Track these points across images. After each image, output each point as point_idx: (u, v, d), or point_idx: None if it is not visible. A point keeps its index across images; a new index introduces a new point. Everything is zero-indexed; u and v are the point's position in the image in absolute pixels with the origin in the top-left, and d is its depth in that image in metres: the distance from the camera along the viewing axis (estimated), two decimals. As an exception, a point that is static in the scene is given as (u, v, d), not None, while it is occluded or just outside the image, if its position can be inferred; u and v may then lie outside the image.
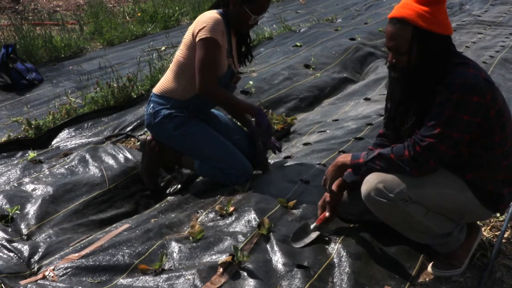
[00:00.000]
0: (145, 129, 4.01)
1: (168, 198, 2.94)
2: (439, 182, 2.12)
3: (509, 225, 2.57)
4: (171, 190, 3.24)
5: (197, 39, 2.78)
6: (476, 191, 2.15)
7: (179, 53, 2.92)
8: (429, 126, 2.06)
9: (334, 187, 2.38)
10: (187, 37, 2.89)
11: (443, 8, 2.09)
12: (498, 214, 2.59)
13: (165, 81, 2.96)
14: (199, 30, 2.77)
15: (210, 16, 2.80)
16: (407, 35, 2.07)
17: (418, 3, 2.06)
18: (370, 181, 2.16)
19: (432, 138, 2.04)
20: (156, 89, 2.99)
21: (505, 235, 2.50)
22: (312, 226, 2.41)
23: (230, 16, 2.87)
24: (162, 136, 2.99)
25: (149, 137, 3.11)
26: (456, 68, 2.06)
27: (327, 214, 2.39)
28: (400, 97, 2.23)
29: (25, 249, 2.46)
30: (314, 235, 2.38)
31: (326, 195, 2.41)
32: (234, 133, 3.12)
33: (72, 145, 3.79)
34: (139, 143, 3.30)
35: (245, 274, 2.15)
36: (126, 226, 2.60)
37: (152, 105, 2.95)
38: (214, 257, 2.28)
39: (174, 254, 2.33)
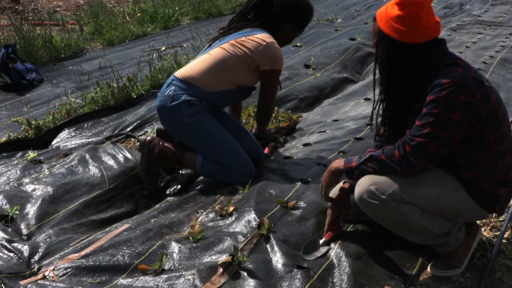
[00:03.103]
0: (145, 129, 4.01)
1: (168, 198, 2.94)
2: (433, 182, 2.11)
3: (509, 225, 2.56)
4: (171, 190, 3.23)
5: (268, 67, 2.98)
6: (472, 191, 2.13)
7: (226, 53, 2.97)
8: (419, 125, 2.05)
9: (339, 197, 2.38)
10: (243, 50, 2.97)
11: (418, 14, 2.01)
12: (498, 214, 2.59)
13: (193, 69, 3.00)
14: (273, 61, 2.98)
15: (278, 48, 3.02)
16: (376, 34, 2.15)
17: (396, 4, 2.06)
18: (363, 184, 2.15)
19: (422, 138, 2.03)
20: (180, 74, 3.02)
21: (505, 235, 2.49)
22: (321, 241, 2.40)
23: (279, 36, 3.14)
24: (173, 121, 2.99)
25: (148, 138, 3.10)
26: (445, 68, 2.05)
27: (342, 225, 2.40)
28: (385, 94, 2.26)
29: (25, 249, 2.46)
30: (324, 249, 2.35)
31: (329, 212, 2.41)
32: (241, 133, 3.16)
33: (72, 145, 3.79)
34: (138, 143, 3.29)
35: (245, 274, 2.15)
36: (126, 226, 2.60)
37: (173, 87, 2.97)
38: (214, 257, 2.28)
39: (174, 254, 2.33)
